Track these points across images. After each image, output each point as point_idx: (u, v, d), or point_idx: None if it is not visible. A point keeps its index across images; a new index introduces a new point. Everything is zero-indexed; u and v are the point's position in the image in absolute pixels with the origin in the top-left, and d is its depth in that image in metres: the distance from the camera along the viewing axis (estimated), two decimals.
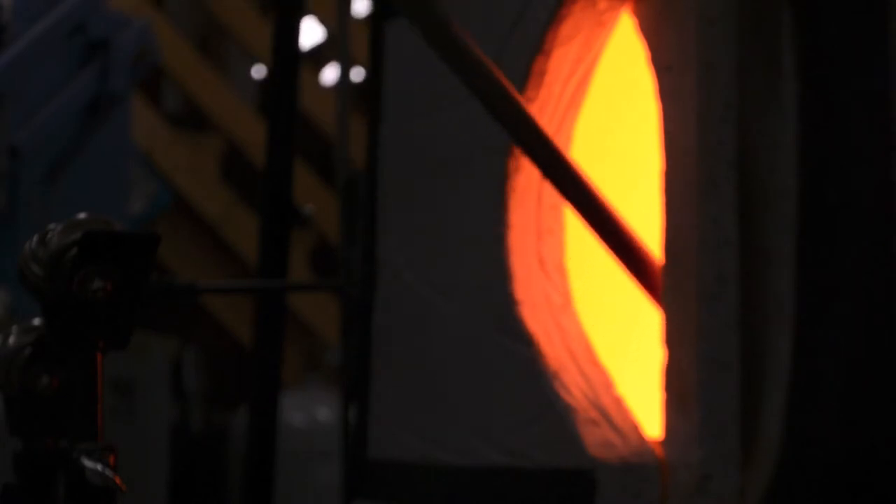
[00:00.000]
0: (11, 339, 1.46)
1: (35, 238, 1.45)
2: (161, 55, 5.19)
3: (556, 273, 2.10)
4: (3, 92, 4.25)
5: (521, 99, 1.88)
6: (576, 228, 2.15)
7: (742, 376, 1.77)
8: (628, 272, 1.94)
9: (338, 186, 3.72)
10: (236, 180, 6.88)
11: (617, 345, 2.11)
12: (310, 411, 5.66)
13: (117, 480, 1.38)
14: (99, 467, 1.39)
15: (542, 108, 2.09)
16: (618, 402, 1.94)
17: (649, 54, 1.92)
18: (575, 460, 1.89)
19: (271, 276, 2.99)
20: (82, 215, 1.45)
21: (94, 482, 1.39)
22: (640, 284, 1.93)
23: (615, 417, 1.92)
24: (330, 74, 7.55)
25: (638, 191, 2.10)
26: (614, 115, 2.15)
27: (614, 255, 1.93)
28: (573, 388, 1.96)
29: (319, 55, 7.51)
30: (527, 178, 2.11)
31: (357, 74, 5.69)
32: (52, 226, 1.45)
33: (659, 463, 1.83)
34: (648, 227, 1.95)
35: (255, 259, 3.15)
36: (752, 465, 1.75)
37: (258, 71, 7.68)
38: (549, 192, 2.13)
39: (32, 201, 4.39)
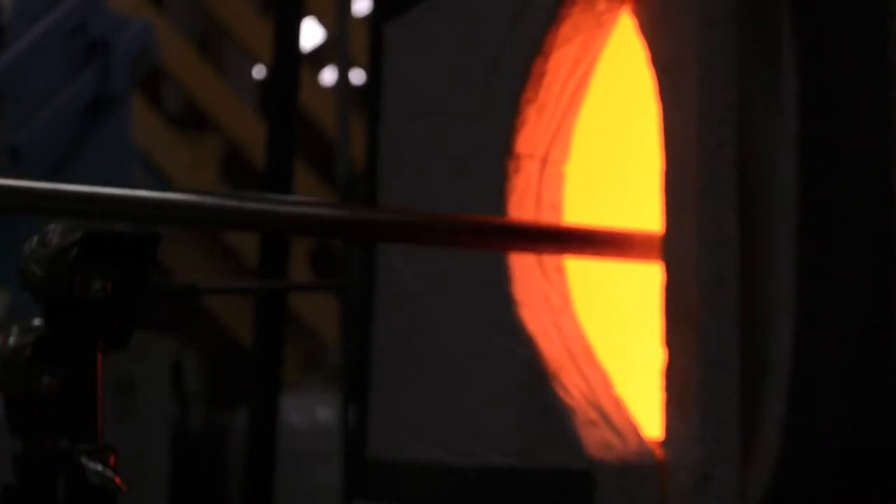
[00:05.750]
0: (11, 339, 1.46)
1: (35, 238, 1.45)
2: (161, 55, 5.19)
3: (555, 273, 2.10)
4: (3, 92, 4.25)
5: None
6: None
7: (742, 376, 1.77)
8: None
9: (338, 186, 3.72)
10: (236, 180, 6.88)
11: (617, 345, 2.10)
12: (310, 411, 5.66)
13: (117, 480, 1.38)
14: (99, 467, 1.39)
15: (541, 109, 2.09)
16: (617, 402, 1.94)
17: (649, 55, 1.92)
18: (574, 460, 1.89)
19: (271, 276, 2.99)
20: None
21: (94, 482, 1.39)
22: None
23: (614, 418, 1.92)
24: (330, 74, 7.55)
25: (638, 191, 2.10)
26: (614, 115, 2.15)
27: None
28: (572, 388, 1.96)
29: (319, 55, 7.51)
30: (526, 178, 2.11)
31: (357, 75, 5.69)
32: (52, 226, 1.45)
33: (658, 463, 1.83)
34: (648, 227, 1.95)
35: (255, 259, 3.15)
36: (752, 465, 1.75)
37: (258, 71, 7.68)
38: (549, 192, 2.13)
39: None
